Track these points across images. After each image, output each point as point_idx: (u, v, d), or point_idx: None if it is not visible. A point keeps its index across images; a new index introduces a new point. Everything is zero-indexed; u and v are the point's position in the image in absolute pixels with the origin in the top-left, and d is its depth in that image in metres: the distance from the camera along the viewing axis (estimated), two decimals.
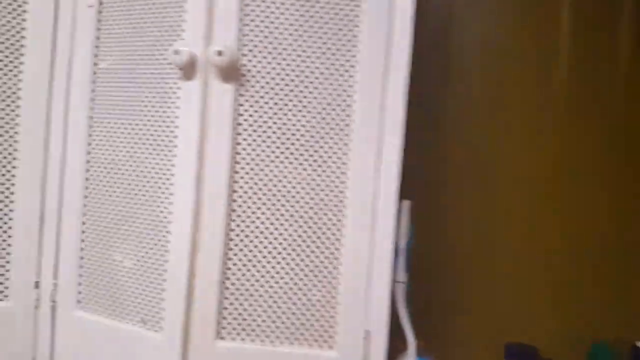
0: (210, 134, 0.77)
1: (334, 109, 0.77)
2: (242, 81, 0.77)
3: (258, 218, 0.78)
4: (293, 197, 0.77)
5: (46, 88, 0.86)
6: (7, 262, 0.86)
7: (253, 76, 0.77)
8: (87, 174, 0.85)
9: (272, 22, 0.76)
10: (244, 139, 0.77)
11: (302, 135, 0.77)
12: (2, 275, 0.86)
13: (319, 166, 0.77)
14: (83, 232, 0.85)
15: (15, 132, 0.86)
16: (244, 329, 0.78)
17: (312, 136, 0.77)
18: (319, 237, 0.78)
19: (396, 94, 0.76)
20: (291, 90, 0.77)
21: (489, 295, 1.03)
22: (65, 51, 0.86)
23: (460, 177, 1.04)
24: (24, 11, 0.85)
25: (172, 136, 0.78)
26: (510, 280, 1.03)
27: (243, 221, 0.77)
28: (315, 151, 0.77)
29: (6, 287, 0.86)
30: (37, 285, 0.87)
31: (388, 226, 0.76)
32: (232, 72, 0.76)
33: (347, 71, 0.77)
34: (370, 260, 0.77)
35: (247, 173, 0.77)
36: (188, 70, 0.76)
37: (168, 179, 0.79)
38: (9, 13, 0.85)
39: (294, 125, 0.77)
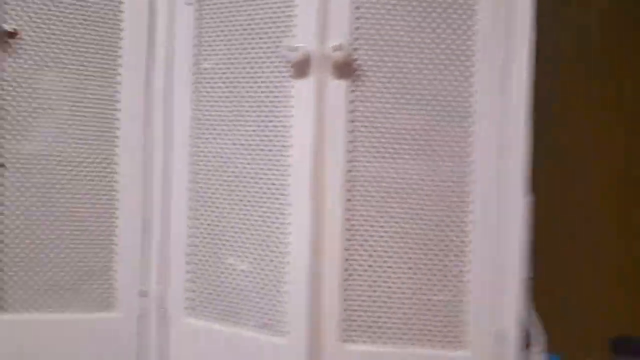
0: (326, 131, 0.74)
1: (453, 103, 0.74)
2: (355, 77, 0.74)
3: (378, 217, 0.75)
4: (413, 194, 0.75)
5: (144, 89, 0.84)
6: (112, 270, 0.84)
7: (366, 71, 0.74)
8: (193, 176, 0.83)
9: (384, 15, 0.73)
10: (357, 136, 0.75)
11: (424, 131, 0.74)
12: (108, 284, 0.84)
13: (442, 162, 0.74)
14: (191, 236, 0.83)
15: (115, 137, 0.84)
16: (371, 331, 0.75)
17: (430, 132, 0.74)
18: (442, 235, 0.75)
19: (518, 86, 0.73)
20: (405, 86, 0.74)
21: (591, 287, 1.00)
22: (163, 51, 0.83)
23: (563, 170, 1.01)
24: (120, 11, 0.83)
25: (285, 135, 0.76)
26: (615, 271, 1.00)
27: (365, 220, 0.75)
28: (436, 148, 0.74)
29: (111, 297, 0.85)
30: (143, 293, 0.85)
31: (517, 222, 0.73)
32: (346, 68, 0.73)
33: (464, 65, 0.74)
34: (499, 257, 0.74)
35: (362, 174, 0.75)
36: (302, 67, 0.73)
37: (283, 179, 0.76)
38: (105, 14, 0.83)
39: (410, 121, 0.74)
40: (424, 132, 0.74)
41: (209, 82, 0.82)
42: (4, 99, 0.79)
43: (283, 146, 0.76)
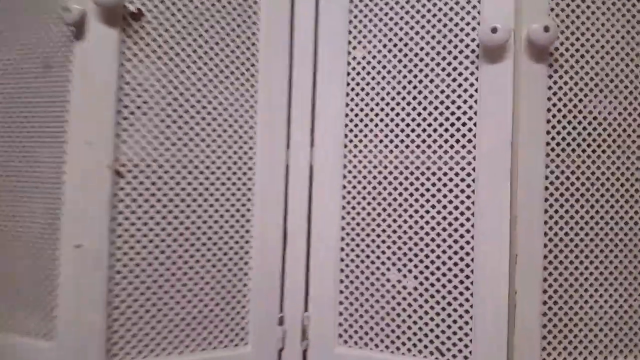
0: (522, 122, 0.65)
1: None
2: (553, 61, 0.66)
3: (581, 219, 0.66)
4: (615, 193, 0.67)
5: (285, 86, 0.72)
6: (243, 296, 0.71)
7: (562, 55, 0.66)
8: (343, 180, 0.71)
9: None
10: (556, 128, 0.66)
11: (619, 124, 0.67)
12: (241, 314, 0.71)
13: None
14: (342, 249, 0.71)
15: (250, 137, 0.71)
16: (572, 347, 0.66)
17: (628, 122, 0.67)
18: None
19: None
20: (601, 71, 0.67)
21: None
22: (307, 41, 0.72)
23: None
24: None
25: (469, 128, 0.66)
26: None
27: (566, 222, 0.66)
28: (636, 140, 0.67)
29: (242, 329, 0.71)
30: (281, 321, 0.72)
31: None
32: (545, 51, 0.65)
33: None
34: None
35: (561, 169, 0.66)
36: (498, 50, 0.64)
37: (466, 176, 0.66)
38: (239, 5, 0.70)
39: (606, 110, 0.67)
40: (622, 126, 0.67)
41: (363, 73, 0.71)
42: (124, 93, 0.64)
43: (466, 140, 0.66)
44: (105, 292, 0.63)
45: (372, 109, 0.71)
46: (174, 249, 0.67)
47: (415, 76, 0.69)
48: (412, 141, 0.68)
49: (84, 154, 0.63)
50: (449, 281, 0.67)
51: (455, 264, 0.67)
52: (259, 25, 0.72)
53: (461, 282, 0.66)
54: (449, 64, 0.67)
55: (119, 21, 0.62)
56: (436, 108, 0.67)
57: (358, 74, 0.72)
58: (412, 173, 0.68)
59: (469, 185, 0.66)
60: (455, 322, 0.67)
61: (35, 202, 0.67)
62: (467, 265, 0.66)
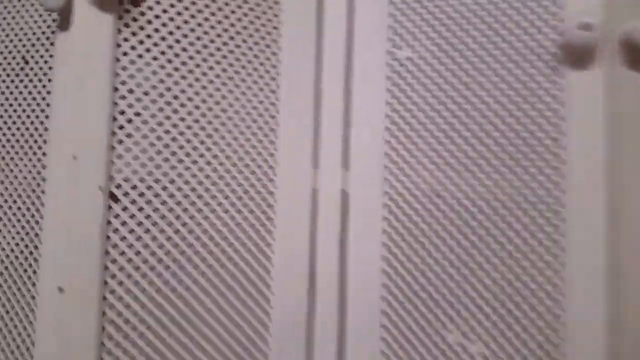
0: (622, 140, 0.53)
1: None
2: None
3: None
4: None
5: (312, 87, 0.60)
6: (261, 353, 0.58)
7: None
8: (384, 210, 0.58)
9: None
10: None
11: None
12: None
13: None
14: (384, 299, 0.58)
15: (270, 154, 0.59)
16: None
17: None
18: None
19: None
20: None
21: None
22: (340, 37, 0.60)
23: None
24: None
25: (553, 147, 0.54)
26: None
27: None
28: None
29: None
30: None
31: None
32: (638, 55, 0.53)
33: None
34: None
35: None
36: (587, 52, 0.51)
37: (549, 214, 0.54)
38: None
39: None
40: None
41: (410, 77, 0.58)
42: (120, 96, 0.51)
43: (549, 167, 0.54)
44: (96, 347, 0.50)
45: (420, 122, 0.58)
46: (179, 293, 0.54)
47: (479, 83, 0.56)
48: (476, 164, 0.55)
49: (70, 170, 0.50)
50: (528, 348, 0.53)
51: (538, 329, 0.53)
52: (281, 17, 0.60)
53: (543, 348, 0.53)
54: (521, 68, 0.55)
55: (114, 6, 0.49)
56: (505, 123, 0.55)
57: (402, 78, 0.59)
58: (474, 204, 0.55)
59: (555, 226, 0.53)
60: None
61: (7, 233, 0.54)
62: (555, 331, 0.53)
